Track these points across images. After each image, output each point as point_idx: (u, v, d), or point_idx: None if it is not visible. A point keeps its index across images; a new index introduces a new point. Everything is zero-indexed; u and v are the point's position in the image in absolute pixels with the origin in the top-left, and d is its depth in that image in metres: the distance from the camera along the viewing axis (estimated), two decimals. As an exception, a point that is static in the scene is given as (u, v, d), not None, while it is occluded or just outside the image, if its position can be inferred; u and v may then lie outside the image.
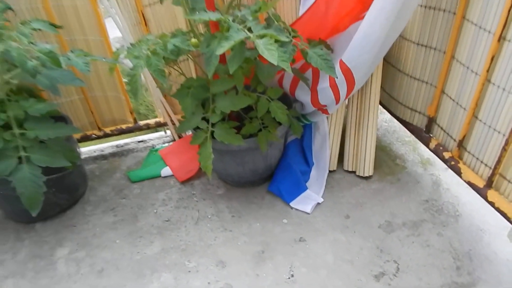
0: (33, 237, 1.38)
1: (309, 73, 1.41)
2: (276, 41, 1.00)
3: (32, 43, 0.96)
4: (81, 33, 1.52)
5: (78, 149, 1.49)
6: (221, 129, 1.21)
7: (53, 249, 1.34)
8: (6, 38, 0.89)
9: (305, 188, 1.49)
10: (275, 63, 0.92)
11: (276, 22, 1.16)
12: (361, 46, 1.23)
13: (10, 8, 1.18)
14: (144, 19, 1.51)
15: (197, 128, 1.26)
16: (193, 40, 1.16)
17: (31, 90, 1.26)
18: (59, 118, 1.34)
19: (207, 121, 1.24)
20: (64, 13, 1.46)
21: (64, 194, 1.42)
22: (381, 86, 1.50)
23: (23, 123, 1.06)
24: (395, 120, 1.63)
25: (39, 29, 1.15)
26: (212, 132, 1.23)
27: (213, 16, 1.02)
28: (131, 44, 1.04)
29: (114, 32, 1.70)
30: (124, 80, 1.66)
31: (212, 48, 1.01)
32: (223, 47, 0.94)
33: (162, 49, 1.02)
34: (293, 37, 1.14)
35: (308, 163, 1.56)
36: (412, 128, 1.55)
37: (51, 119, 1.12)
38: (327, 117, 1.53)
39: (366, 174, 1.54)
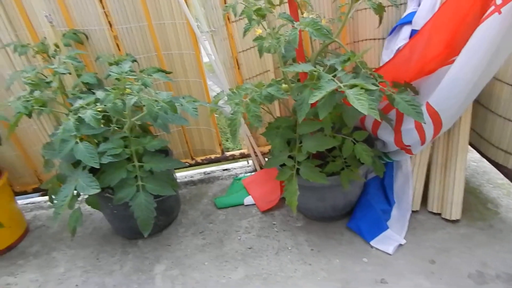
0: (136, 252, 1.59)
1: (392, 114, 1.43)
2: (364, 89, 1.06)
3: (155, 92, 1.17)
4: (184, 76, 1.75)
5: (175, 176, 1.70)
6: (307, 168, 1.29)
7: (152, 265, 1.52)
8: (137, 90, 1.11)
9: (386, 227, 1.48)
10: (366, 113, 0.98)
11: (363, 69, 1.23)
12: (449, 90, 1.23)
13: (135, 60, 1.44)
14: (237, 63, 1.69)
15: (283, 165, 1.36)
16: (284, 85, 1.28)
17: (144, 127, 1.49)
18: (162, 149, 1.55)
19: (293, 158, 1.34)
20: (172, 60, 1.71)
21: (162, 216, 1.62)
22: (470, 126, 1.45)
23: (142, 157, 1.27)
24: (485, 161, 1.55)
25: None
26: (298, 170, 1.31)
27: (305, 68, 1.12)
28: (232, 92, 1.19)
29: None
30: (216, 115, 1.85)
31: (304, 96, 1.11)
32: (316, 97, 1.04)
33: (259, 97, 1.15)
34: (379, 82, 1.20)
35: (389, 201, 1.56)
36: (507, 172, 1.46)
37: (161, 154, 1.31)
38: (410, 156, 1.52)
39: (453, 218, 1.48)
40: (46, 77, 1.36)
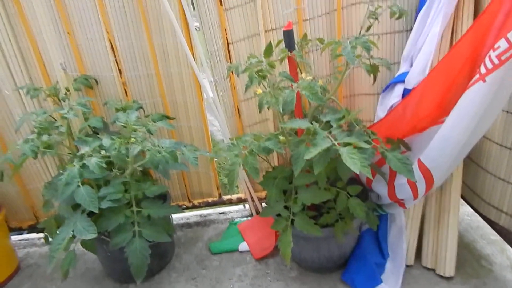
0: (127, 297, 1.57)
1: (386, 167, 1.47)
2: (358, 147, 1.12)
3: (158, 140, 1.22)
4: (186, 120, 1.82)
5: (172, 220, 1.71)
6: (301, 219, 1.31)
7: (142, 312, 1.49)
8: (140, 139, 1.16)
9: (380, 282, 1.47)
10: (357, 172, 1.03)
11: (357, 126, 1.29)
12: (440, 149, 1.28)
13: (141, 107, 1.51)
14: (238, 111, 1.76)
15: (279, 214, 1.39)
16: (282, 138, 1.33)
17: (144, 169, 1.53)
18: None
19: (288, 209, 1.37)
20: (176, 105, 1.78)
21: (156, 260, 1.61)
22: (462, 180, 1.49)
23: (140, 202, 1.30)
24: (478, 215, 1.57)
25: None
26: (292, 220, 1.34)
27: (302, 124, 1.18)
28: (232, 143, 1.24)
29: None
30: (215, 159, 1.90)
31: (300, 151, 1.16)
32: (311, 153, 1.09)
33: (257, 149, 1.20)
34: (373, 139, 1.25)
35: (383, 254, 1.56)
36: (499, 228, 1.48)
37: (160, 200, 1.34)
38: (404, 210, 1.55)
39: (447, 274, 1.47)
40: (56, 120, 1.41)
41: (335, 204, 1.38)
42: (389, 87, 1.63)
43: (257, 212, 1.96)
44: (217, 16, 1.59)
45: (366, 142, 1.21)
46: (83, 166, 1.13)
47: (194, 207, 1.98)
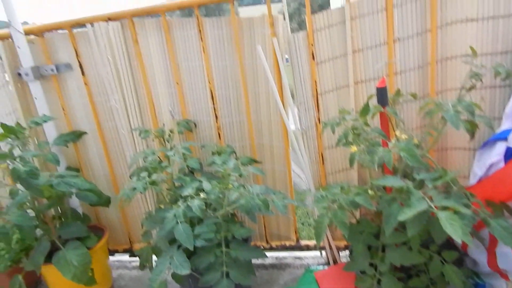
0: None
1: (485, 232, 1.36)
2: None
3: (252, 192, 1.31)
4: (271, 164, 1.90)
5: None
6: (389, 280, 1.26)
7: None
8: (237, 187, 1.26)
9: None
10: (459, 240, 0.98)
11: (454, 187, 1.23)
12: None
13: (234, 152, 1.64)
14: (322, 158, 1.80)
15: (363, 271, 1.35)
16: (371, 192, 1.33)
17: (232, 212, 1.62)
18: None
19: (374, 266, 1.32)
20: (263, 149, 1.89)
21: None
22: None
23: (229, 243, 1.38)
24: None
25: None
26: (379, 280, 1.29)
27: (395, 182, 1.17)
28: (320, 195, 1.27)
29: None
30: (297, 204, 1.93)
31: (392, 210, 1.14)
32: (406, 215, 1.06)
33: (347, 204, 1.21)
34: (472, 202, 1.18)
35: (480, 329, 1.40)
36: None
37: (246, 242, 1.41)
38: (506, 282, 1.39)
39: None
40: (162, 161, 1.60)
41: (426, 267, 1.30)
42: (488, 143, 1.53)
43: (334, 261, 1.92)
44: (308, 69, 1.69)
45: (465, 205, 1.14)
46: (187, 207, 1.26)
47: (271, 248, 2.01)
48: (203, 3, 1.66)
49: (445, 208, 1.07)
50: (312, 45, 1.64)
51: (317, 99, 1.72)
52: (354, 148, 1.17)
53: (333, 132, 1.28)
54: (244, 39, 1.72)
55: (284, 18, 1.65)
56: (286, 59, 1.73)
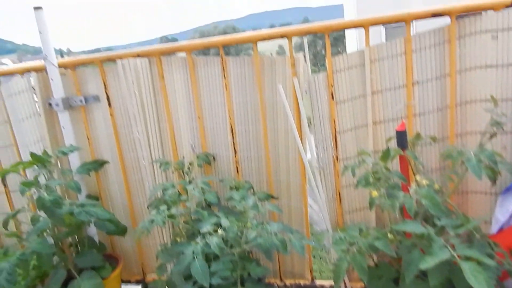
0: None
1: (510, 282, 1.32)
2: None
3: (270, 231, 1.31)
4: (287, 200, 1.90)
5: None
6: (409, 330, 1.21)
7: None
8: (256, 225, 1.26)
9: None
10: (484, 294, 0.95)
11: (477, 235, 1.21)
12: None
13: (252, 187, 1.65)
14: (339, 196, 1.79)
15: (382, 318, 1.31)
16: (390, 236, 1.31)
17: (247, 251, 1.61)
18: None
19: (393, 313, 1.28)
20: (279, 184, 1.89)
21: None
22: None
23: (244, 282, 1.37)
24: None
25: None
26: (399, 329, 1.24)
27: (416, 228, 1.16)
28: (339, 237, 1.26)
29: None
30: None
31: (413, 257, 1.12)
32: (427, 263, 1.04)
33: (366, 247, 1.20)
34: (496, 252, 1.15)
35: None
36: None
37: (261, 281, 1.39)
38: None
39: None
40: (181, 194, 1.63)
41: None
42: (511, 189, 1.51)
43: (350, 304, 1.86)
44: (327, 108, 1.72)
45: (489, 255, 1.11)
46: (205, 244, 1.26)
47: (285, 287, 1.97)
48: (227, 43, 1.74)
49: (468, 258, 1.05)
50: (331, 85, 1.68)
51: (336, 137, 1.74)
52: (374, 193, 1.17)
53: (353, 175, 1.29)
54: (265, 77, 1.78)
55: (305, 59, 1.71)
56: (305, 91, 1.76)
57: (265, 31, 1.71)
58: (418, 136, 1.42)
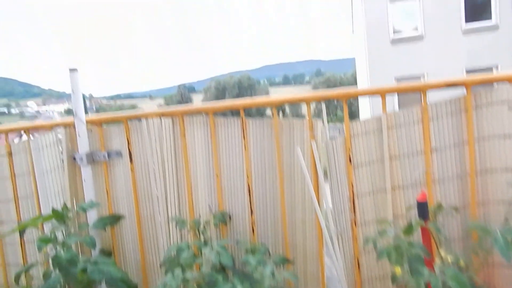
0: None
1: None
2: None
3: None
4: (303, 264, 1.85)
5: None
6: None
7: None
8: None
9: None
10: None
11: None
12: None
13: (268, 251, 1.62)
14: (358, 264, 1.73)
15: None
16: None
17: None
18: None
19: None
20: (295, 248, 1.85)
21: None
22: None
23: None
24: None
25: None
26: None
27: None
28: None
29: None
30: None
31: None
32: None
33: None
34: None
35: None
36: None
37: None
38: None
39: None
40: (196, 255, 1.61)
41: None
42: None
43: None
44: (345, 171, 1.73)
45: None
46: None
47: None
48: (248, 106, 1.82)
49: None
50: (349, 149, 1.71)
51: (354, 201, 1.72)
52: (398, 270, 1.13)
53: (375, 247, 1.26)
54: (283, 139, 1.82)
55: (323, 124, 1.76)
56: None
57: (284, 96, 1.79)
58: (439, 207, 1.40)
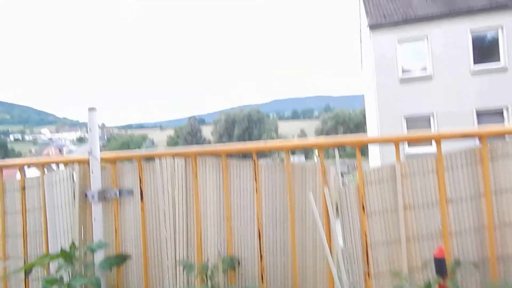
0: None
1: None
2: None
3: None
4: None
5: None
6: None
7: None
8: None
9: None
10: None
11: None
12: None
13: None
14: (371, 316, 1.65)
15: None
16: None
17: None
18: None
19: None
20: (305, 274, 1.78)
21: None
22: None
23: None
24: None
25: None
26: None
27: None
28: None
29: None
30: None
31: None
32: None
33: None
34: None
35: None
36: None
37: None
38: None
39: None
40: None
41: None
42: None
43: None
44: (358, 219, 1.69)
45: None
46: None
47: None
48: (261, 150, 1.83)
49: None
50: (362, 197, 1.68)
51: (367, 251, 1.67)
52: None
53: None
54: (295, 184, 1.80)
55: (336, 170, 1.75)
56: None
57: (297, 142, 1.80)
58: (458, 263, 1.35)
